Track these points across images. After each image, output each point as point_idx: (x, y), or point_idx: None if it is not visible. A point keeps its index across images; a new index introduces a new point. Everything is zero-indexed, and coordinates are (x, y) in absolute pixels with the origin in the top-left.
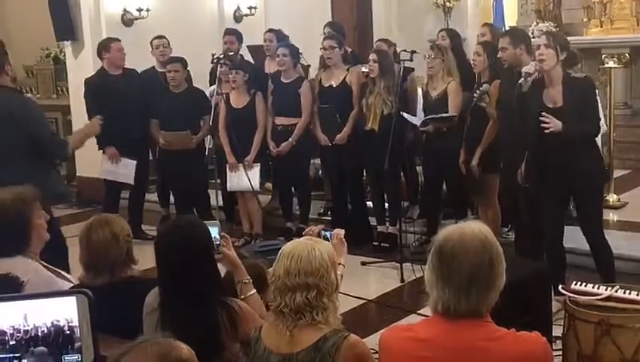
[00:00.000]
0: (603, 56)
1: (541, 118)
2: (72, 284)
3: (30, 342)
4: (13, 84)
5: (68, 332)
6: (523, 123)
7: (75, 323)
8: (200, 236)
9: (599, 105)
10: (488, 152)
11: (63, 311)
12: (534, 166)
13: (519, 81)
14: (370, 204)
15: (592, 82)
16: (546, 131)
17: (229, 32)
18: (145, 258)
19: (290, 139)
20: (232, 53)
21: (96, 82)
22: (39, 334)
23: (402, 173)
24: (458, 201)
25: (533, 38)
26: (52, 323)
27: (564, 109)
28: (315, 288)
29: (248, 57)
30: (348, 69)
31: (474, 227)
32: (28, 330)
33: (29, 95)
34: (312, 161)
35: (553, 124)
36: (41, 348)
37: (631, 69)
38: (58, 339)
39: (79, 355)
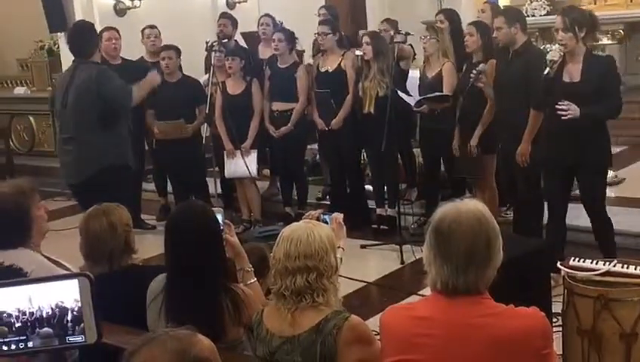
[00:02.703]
0: (597, 32)
1: (557, 107)
2: None
3: (36, 324)
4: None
5: (72, 313)
6: (548, 103)
7: (79, 304)
8: (212, 221)
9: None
10: (485, 133)
11: (67, 294)
12: (548, 140)
13: (546, 72)
14: (368, 187)
15: (614, 62)
16: (564, 118)
17: (223, 15)
18: (145, 247)
19: (289, 125)
20: (225, 40)
21: None
22: (44, 316)
23: (400, 156)
24: (456, 182)
25: (526, 17)
26: (56, 304)
27: (581, 84)
28: (315, 270)
29: (242, 43)
30: (343, 54)
31: (470, 205)
32: (33, 312)
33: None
34: (308, 146)
35: (572, 110)
36: (47, 329)
37: (625, 45)
38: (62, 321)
39: (83, 336)
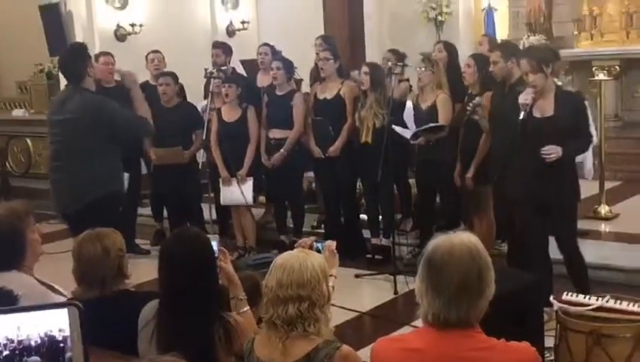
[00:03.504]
0: (593, 68)
1: (541, 152)
2: (66, 299)
3: (24, 352)
4: (94, 85)
5: (60, 343)
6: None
7: (67, 334)
8: (206, 248)
9: (590, 119)
10: (482, 164)
11: (56, 323)
12: (521, 177)
13: (521, 116)
14: (363, 216)
15: (584, 98)
16: (548, 161)
17: (216, 45)
18: (139, 272)
19: (282, 150)
20: (224, 67)
21: None
22: (32, 344)
23: (396, 186)
24: (451, 213)
25: None
26: (45, 333)
27: (554, 119)
28: (307, 300)
29: (241, 71)
30: (342, 82)
31: (463, 237)
32: (21, 341)
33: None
34: (305, 173)
35: (554, 152)
36: (35, 358)
37: (621, 81)
38: (50, 350)
39: None
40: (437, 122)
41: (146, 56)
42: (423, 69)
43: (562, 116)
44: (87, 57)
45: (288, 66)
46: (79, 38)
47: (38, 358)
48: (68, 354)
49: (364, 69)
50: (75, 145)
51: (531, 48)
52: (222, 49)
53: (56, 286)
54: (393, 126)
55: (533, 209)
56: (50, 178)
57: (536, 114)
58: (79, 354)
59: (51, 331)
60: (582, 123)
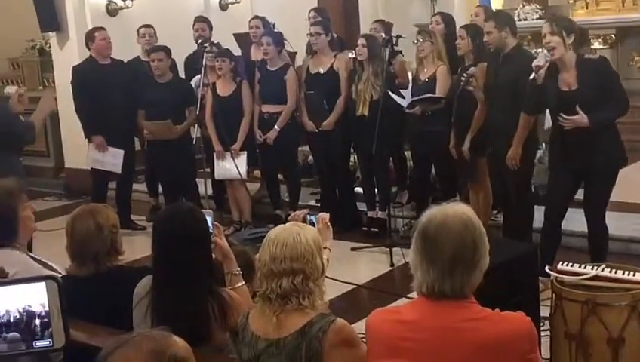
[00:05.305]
0: (589, 37)
1: (560, 119)
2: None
3: (2, 328)
4: None
5: (39, 317)
6: (540, 109)
7: (47, 308)
8: (200, 223)
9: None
10: (478, 136)
11: (35, 297)
12: (555, 145)
13: (531, 77)
14: (359, 189)
15: (607, 62)
16: (567, 128)
17: (200, 19)
18: (134, 248)
19: (275, 127)
20: (217, 41)
21: (84, 70)
22: (11, 320)
23: (391, 158)
24: (447, 185)
25: (519, 20)
26: (24, 308)
27: (579, 92)
28: (300, 273)
29: (234, 45)
30: (335, 56)
31: (457, 208)
32: (0, 316)
33: None
34: (301, 147)
35: (577, 120)
36: (14, 334)
37: (617, 49)
38: (30, 325)
39: (50, 340)
40: (434, 93)
41: (138, 31)
42: (422, 40)
43: (586, 87)
44: None
45: (278, 40)
46: (70, 13)
47: (17, 334)
48: (49, 329)
49: (361, 41)
50: None
51: (557, 16)
52: (207, 23)
53: (50, 263)
54: (389, 92)
55: (563, 176)
56: None
57: (563, 88)
58: (59, 328)
59: (30, 306)
60: (610, 87)
